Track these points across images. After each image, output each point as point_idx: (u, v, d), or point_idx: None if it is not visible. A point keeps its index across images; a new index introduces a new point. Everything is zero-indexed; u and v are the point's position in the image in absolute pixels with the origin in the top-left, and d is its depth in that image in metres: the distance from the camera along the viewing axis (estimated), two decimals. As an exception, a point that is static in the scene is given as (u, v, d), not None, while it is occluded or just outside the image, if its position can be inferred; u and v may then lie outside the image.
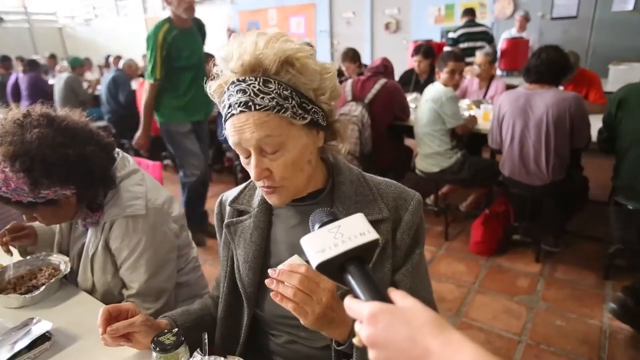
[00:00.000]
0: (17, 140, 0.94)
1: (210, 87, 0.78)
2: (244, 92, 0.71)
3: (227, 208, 0.96)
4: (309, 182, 0.83)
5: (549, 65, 2.28)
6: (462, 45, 4.85)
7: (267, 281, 0.67)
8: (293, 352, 0.92)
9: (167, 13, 2.70)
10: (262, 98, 0.70)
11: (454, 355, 0.42)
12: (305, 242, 0.57)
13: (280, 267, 0.67)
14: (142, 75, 5.54)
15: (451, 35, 5.09)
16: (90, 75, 7.81)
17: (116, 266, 1.17)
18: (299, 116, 0.73)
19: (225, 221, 0.94)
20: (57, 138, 0.99)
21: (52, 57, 8.80)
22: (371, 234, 0.55)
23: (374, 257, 0.64)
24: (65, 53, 11.11)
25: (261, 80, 0.71)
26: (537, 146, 2.33)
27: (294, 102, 0.73)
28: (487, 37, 4.88)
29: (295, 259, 0.70)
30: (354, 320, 0.58)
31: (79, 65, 5.93)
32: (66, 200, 1.06)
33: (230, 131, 0.74)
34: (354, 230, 0.55)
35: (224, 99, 0.74)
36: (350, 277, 0.53)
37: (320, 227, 0.59)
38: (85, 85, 5.77)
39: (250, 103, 0.71)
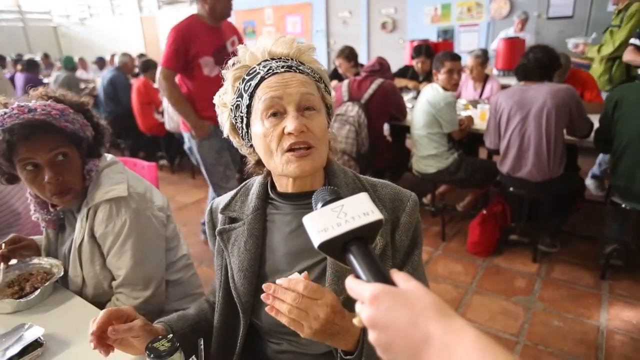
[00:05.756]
0: (47, 91, 1.16)
1: (230, 68, 0.82)
2: (284, 61, 0.79)
3: (219, 216, 0.94)
4: (319, 172, 0.85)
5: (535, 64, 2.34)
6: None
7: (263, 296, 0.66)
8: (293, 359, 0.91)
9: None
10: (303, 68, 0.80)
11: (456, 341, 0.41)
12: (308, 220, 0.55)
13: (279, 281, 0.66)
14: (137, 74, 5.51)
15: None
16: (86, 75, 7.77)
17: (104, 257, 1.17)
18: (327, 93, 0.83)
19: (218, 228, 0.92)
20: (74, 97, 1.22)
21: (46, 57, 8.76)
22: (375, 214, 0.54)
23: (377, 237, 0.64)
24: (60, 52, 11.04)
25: (297, 61, 0.81)
26: (538, 136, 2.32)
27: (322, 84, 0.83)
28: None
29: (295, 276, 0.68)
30: (362, 330, 0.56)
31: (71, 67, 5.88)
32: (83, 149, 1.17)
33: (270, 88, 0.76)
34: (357, 210, 0.54)
35: (255, 70, 0.79)
36: (352, 258, 0.52)
37: (323, 205, 0.58)
38: (82, 85, 5.72)
39: (294, 67, 0.79)
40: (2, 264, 1.20)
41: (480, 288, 2.41)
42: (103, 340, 0.82)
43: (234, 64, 0.83)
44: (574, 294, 2.31)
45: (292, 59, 0.80)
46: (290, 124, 0.74)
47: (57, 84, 5.28)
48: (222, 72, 0.85)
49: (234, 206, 0.92)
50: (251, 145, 0.84)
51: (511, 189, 2.58)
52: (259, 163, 0.88)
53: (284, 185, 0.86)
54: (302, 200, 0.85)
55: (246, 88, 0.79)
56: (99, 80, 5.39)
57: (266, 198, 0.91)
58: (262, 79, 0.77)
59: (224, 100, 0.85)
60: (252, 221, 0.88)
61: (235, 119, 0.83)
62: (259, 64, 0.80)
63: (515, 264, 2.62)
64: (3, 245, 1.23)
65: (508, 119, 2.42)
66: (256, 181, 0.93)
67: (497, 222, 2.73)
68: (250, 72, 0.80)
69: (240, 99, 0.80)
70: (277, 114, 0.76)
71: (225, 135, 0.88)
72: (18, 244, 1.27)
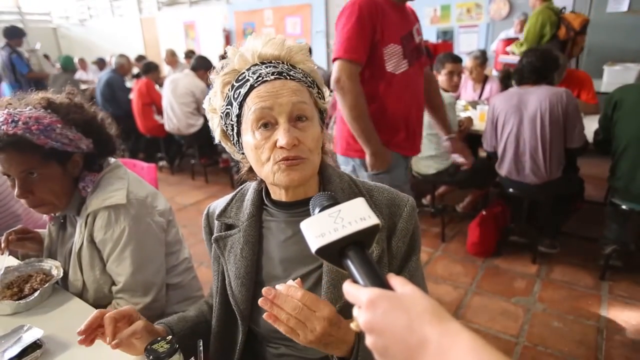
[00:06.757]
0: (49, 98, 1.13)
1: (219, 72, 0.80)
2: (274, 67, 0.76)
3: (215, 222, 0.93)
4: (313, 179, 0.84)
5: (529, 68, 2.35)
6: None
7: (260, 301, 0.64)
8: None
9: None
10: (294, 73, 0.77)
11: (452, 345, 0.42)
12: (305, 226, 0.55)
13: (277, 287, 0.65)
14: (137, 75, 5.51)
15: None
16: (86, 76, 7.78)
17: (103, 261, 1.17)
18: (320, 98, 0.81)
19: (214, 235, 0.91)
20: (84, 106, 1.20)
21: (46, 58, 8.76)
22: (372, 219, 0.54)
23: (374, 242, 0.63)
24: (60, 53, 11.03)
25: (288, 64, 0.78)
26: (534, 141, 2.33)
27: (315, 87, 0.80)
28: None
29: (292, 283, 0.68)
30: (357, 336, 0.54)
31: (71, 68, 5.88)
32: (74, 162, 1.14)
33: (259, 98, 0.73)
34: (354, 215, 0.54)
35: (244, 76, 0.76)
36: (349, 262, 0.53)
37: (320, 211, 0.58)
38: (83, 86, 5.73)
39: (285, 74, 0.75)
40: (3, 253, 1.22)
41: (480, 289, 2.41)
42: (89, 337, 0.84)
43: (222, 67, 0.80)
44: (574, 294, 2.31)
45: (282, 62, 0.78)
46: (282, 137, 0.72)
47: (55, 86, 5.28)
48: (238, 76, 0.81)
49: (229, 212, 0.91)
50: (243, 152, 0.82)
51: (510, 190, 2.58)
52: (253, 169, 0.86)
53: (278, 193, 0.85)
54: (296, 209, 0.84)
55: (235, 96, 0.76)
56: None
57: (261, 205, 0.90)
58: (252, 87, 0.74)
59: (213, 105, 0.82)
60: (247, 228, 0.87)
61: (226, 127, 0.81)
62: (248, 69, 0.77)
63: (515, 265, 2.62)
64: (13, 233, 1.26)
65: (504, 122, 2.42)
66: (251, 187, 0.92)
67: (496, 223, 2.73)
68: (240, 78, 0.77)
69: (229, 107, 0.78)
70: (268, 124, 0.74)
71: (217, 141, 0.87)
72: (25, 235, 1.29)
